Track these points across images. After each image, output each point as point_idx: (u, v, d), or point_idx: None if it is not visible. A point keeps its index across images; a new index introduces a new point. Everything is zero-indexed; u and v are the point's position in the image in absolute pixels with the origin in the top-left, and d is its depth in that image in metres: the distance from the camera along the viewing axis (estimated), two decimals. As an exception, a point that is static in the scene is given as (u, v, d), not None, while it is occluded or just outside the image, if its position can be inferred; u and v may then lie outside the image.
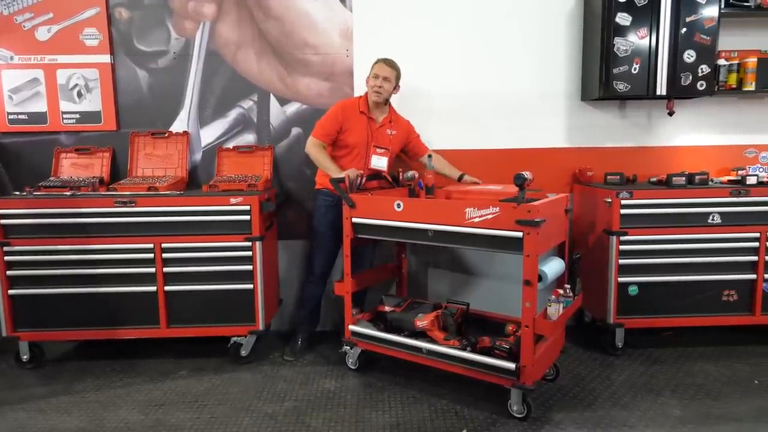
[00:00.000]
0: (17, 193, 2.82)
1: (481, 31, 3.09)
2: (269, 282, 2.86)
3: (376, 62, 2.75)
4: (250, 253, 2.67)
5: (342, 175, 2.51)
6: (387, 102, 2.83)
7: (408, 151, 2.95)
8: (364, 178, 2.62)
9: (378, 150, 2.76)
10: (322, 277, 2.91)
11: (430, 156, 2.72)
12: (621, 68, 2.81)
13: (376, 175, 2.77)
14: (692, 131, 3.17)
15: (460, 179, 2.85)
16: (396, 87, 2.79)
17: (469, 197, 2.73)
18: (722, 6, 2.80)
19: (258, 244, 2.66)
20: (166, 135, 3.08)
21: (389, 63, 2.74)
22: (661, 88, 2.84)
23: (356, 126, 2.74)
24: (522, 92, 3.12)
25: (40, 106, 3.07)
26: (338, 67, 3.10)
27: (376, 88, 2.71)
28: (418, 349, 2.41)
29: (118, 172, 3.09)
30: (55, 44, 3.03)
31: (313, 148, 2.71)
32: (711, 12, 2.77)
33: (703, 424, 2.14)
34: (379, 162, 2.76)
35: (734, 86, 3.02)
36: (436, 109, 3.12)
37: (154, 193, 2.71)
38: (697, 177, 2.79)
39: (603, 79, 2.84)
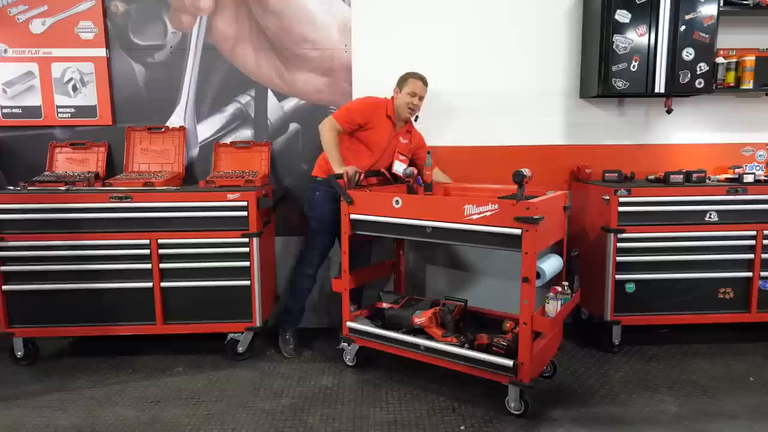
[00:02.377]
0: (11, 187, 2.78)
1: (480, 28, 3.08)
2: (266, 278, 2.85)
3: (411, 78, 2.71)
4: (247, 250, 2.66)
5: (342, 171, 2.50)
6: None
7: (415, 162, 2.94)
8: (362, 175, 2.61)
9: (401, 156, 2.77)
10: (317, 271, 2.89)
11: (429, 152, 2.71)
12: (620, 66, 2.81)
13: (374, 171, 2.76)
14: (690, 129, 3.18)
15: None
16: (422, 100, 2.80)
17: (468, 194, 2.74)
18: (721, 4, 2.80)
19: (255, 240, 2.65)
20: (163, 130, 3.06)
21: (426, 82, 2.75)
22: (660, 86, 2.84)
23: (381, 127, 2.73)
24: (521, 89, 3.12)
25: (35, 99, 3.04)
26: (337, 62, 3.08)
27: (412, 105, 2.71)
28: (416, 346, 2.41)
29: (113, 167, 3.07)
30: (50, 37, 2.99)
31: (329, 130, 2.62)
32: (710, 10, 2.77)
33: (698, 421, 2.15)
34: (400, 166, 2.77)
35: (732, 84, 3.02)
36: (435, 106, 3.10)
37: (150, 189, 2.69)
38: (694, 175, 2.80)
39: (602, 76, 2.84)
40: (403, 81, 2.74)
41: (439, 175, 2.89)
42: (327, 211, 2.74)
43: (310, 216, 2.84)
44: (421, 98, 2.74)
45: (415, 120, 2.88)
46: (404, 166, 2.77)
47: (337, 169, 2.53)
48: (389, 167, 2.80)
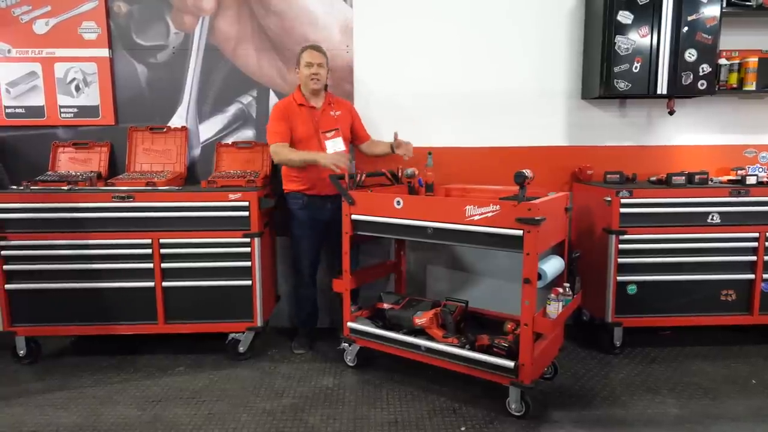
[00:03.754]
0: (14, 187, 2.80)
1: (481, 29, 3.08)
2: (267, 278, 2.86)
3: (303, 51, 2.74)
4: (248, 250, 2.66)
5: (327, 162, 2.50)
6: (325, 88, 2.84)
7: (352, 134, 2.92)
8: (364, 175, 2.61)
9: (328, 134, 2.76)
10: (311, 277, 2.91)
11: (430, 153, 2.71)
12: (622, 67, 2.80)
13: (375, 172, 2.76)
14: (692, 131, 3.17)
15: (392, 148, 2.77)
16: (328, 70, 2.81)
17: (469, 195, 2.74)
18: (724, 5, 2.80)
19: (256, 240, 2.65)
20: (165, 130, 3.07)
21: (318, 48, 2.75)
22: (662, 87, 2.83)
23: (300, 119, 2.73)
24: (522, 90, 3.11)
25: (38, 99, 3.05)
26: (338, 63, 3.08)
27: (313, 75, 2.70)
28: (417, 347, 2.41)
29: (116, 166, 3.08)
30: (53, 37, 3.00)
31: (280, 151, 2.66)
32: (713, 11, 2.76)
33: (700, 423, 2.14)
34: (335, 145, 2.76)
35: (735, 86, 3.01)
36: (436, 107, 3.11)
37: (152, 189, 2.70)
38: (696, 176, 2.79)
39: (604, 77, 2.83)
40: (297, 58, 2.76)
41: (378, 145, 2.92)
42: (298, 218, 2.79)
43: (289, 229, 2.88)
44: (320, 65, 2.71)
45: (324, 89, 2.83)
46: (338, 140, 2.76)
47: (322, 160, 2.54)
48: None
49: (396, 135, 2.77)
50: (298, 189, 2.77)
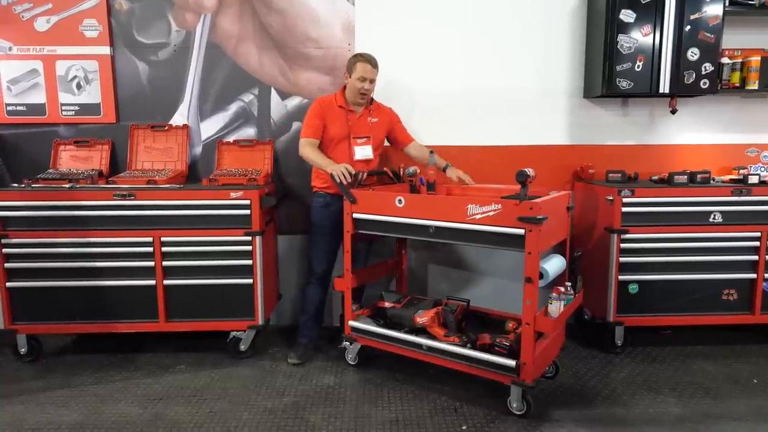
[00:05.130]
0: (15, 185, 2.80)
1: (483, 28, 3.07)
2: (269, 277, 2.85)
3: (358, 62, 2.62)
4: (249, 248, 2.66)
5: (334, 170, 2.48)
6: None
7: (391, 139, 2.91)
8: (366, 174, 2.61)
9: (358, 141, 2.73)
10: (322, 280, 2.81)
11: (432, 152, 2.70)
12: (624, 65, 2.80)
13: (376, 171, 2.76)
14: (694, 130, 3.16)
15: (444, 170, 2.78)
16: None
17: (470, 194, 2.73)
18: (727, 4, 2.79)
19: (258, 238, 2.65)
20: (166, 128, 3.06)
21: (374, 63, 2.65)
22: (664, 86, 2.82)
23: (336, 119, 2.71)
24: (524, 89, 3.11)
25: (39, 97, 3.05)
26: (340, 61, 3.07)
27: (364, 90, 2.65)
28: (418, 346, 2.41)
29: (117, 164, 3.08)
30: (55, 35, 3.00)
31: (306, 147, 2.65)
32: (715, 10, 2.75)
33: (701, 423, 2.14)
34: (363, 152, 2.74)
35: (737, 85, 3.00)
36: (438, 106, 3.11)
37: (153, 187, 2.70)
38: (698, 176, 2.79)
39: (606, 76, 2.83)
40: (351, 66, 2.66)
41: (417, 149, 2.87)
42: (322, 217, 2.75)
43: (309, 225, 2.84)
44: (371, 81, 2.66)
45: (370, 103, 2.80)
46: (367, 148, 2.74)
47: (328, 168, 2.53)
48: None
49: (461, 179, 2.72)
50: (322, 186, 2.75)
